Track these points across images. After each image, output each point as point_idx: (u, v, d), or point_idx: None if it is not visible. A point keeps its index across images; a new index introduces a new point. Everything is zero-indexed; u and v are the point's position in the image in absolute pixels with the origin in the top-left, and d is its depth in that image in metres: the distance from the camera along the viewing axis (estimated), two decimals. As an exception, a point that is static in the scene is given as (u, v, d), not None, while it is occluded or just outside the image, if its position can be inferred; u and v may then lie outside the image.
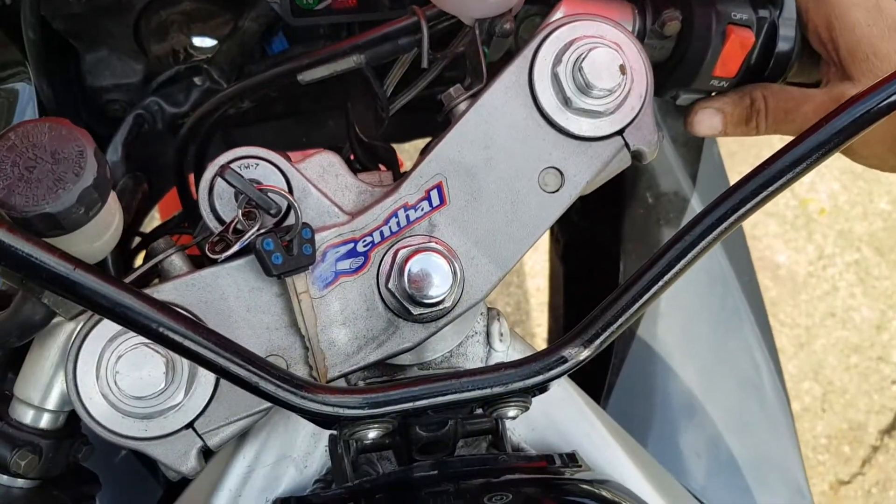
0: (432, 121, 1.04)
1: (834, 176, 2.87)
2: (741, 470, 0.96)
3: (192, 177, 0.94)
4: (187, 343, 0.47)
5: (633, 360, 0.94)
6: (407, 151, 2.05)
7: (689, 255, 0.53)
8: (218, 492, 0.63)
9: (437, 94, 1.00)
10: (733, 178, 1.08)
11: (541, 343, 2.51)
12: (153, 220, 1.37)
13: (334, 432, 0.65)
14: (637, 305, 0.54)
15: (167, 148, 1.00)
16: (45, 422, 0.57)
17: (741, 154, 2.75)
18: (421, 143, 1.19)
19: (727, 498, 0.95)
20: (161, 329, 0.46)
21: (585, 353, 0.54)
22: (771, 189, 0.52)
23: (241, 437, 0.65)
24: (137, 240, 1.00)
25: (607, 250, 1.04)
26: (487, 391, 0.54)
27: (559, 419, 0.70)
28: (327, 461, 0.65)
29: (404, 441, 0.62)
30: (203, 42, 0.90)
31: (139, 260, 1.12)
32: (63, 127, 0.47)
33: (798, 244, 2.84)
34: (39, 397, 0.57)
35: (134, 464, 0.83)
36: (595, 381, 0.94)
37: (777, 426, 0.98)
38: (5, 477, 0.56)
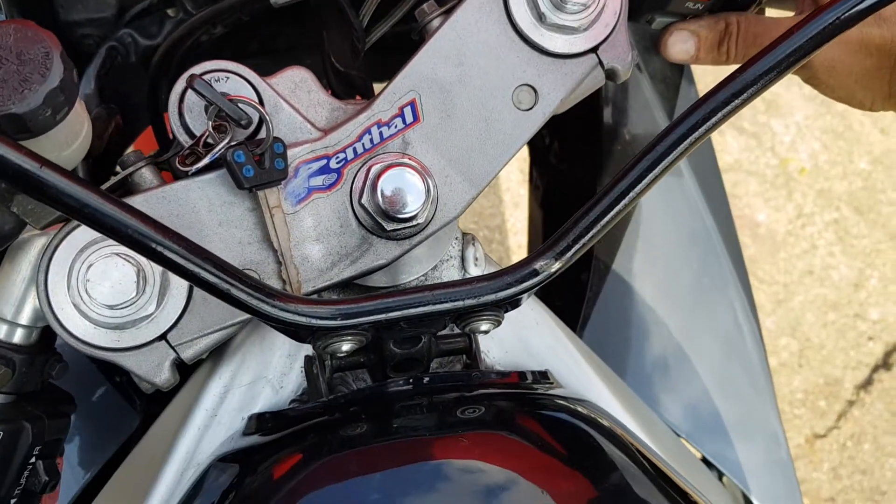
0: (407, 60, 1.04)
1: (815, 136, 2.88)
2: (717, 412, 0.97)
3: (167, 115, 0.93)
4: (158, 248, 0.46)
5: (608, 294, 0.94)
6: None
7: (661, 165, 0.54)
8: (194, 412, 0.63)
9: (412, 32, 0.99)
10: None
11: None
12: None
13: (309, 353, 0.65)
14: (608, 217, 0.54)
15: (141, 86, 0.99)
16: (18, 337, 0.57)
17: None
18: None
19: (703, 439, 0.97)
20: (130, 231, 0.46)
21: (556, 266, 0.55)
22: (745, 96, 0.52)
23: (217, 358, 0.65)
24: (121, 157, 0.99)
25: (586, 190, 1.04)
26: (459, 303, 0.54)
27: (533, 343, 0.70)
28: (303, 382, 0.65)
29: (378, 358, 0.62)
30: (176, -27, 0.89)
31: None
32: (28, 29, 0.47)
33: (778, 203, 2.86)
34: (12, 312, 0.56)
35: (112, 396, 0.83)
36: (570, 315, 0.95)
37: (756, 379, 0.99)
38: (-22, 391, 0.56)
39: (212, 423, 0.63)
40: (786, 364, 2.64)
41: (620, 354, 0.94)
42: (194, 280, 0.48)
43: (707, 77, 2.66)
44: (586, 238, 0.54)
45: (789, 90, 2.73)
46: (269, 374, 0.65)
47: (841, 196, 2.87)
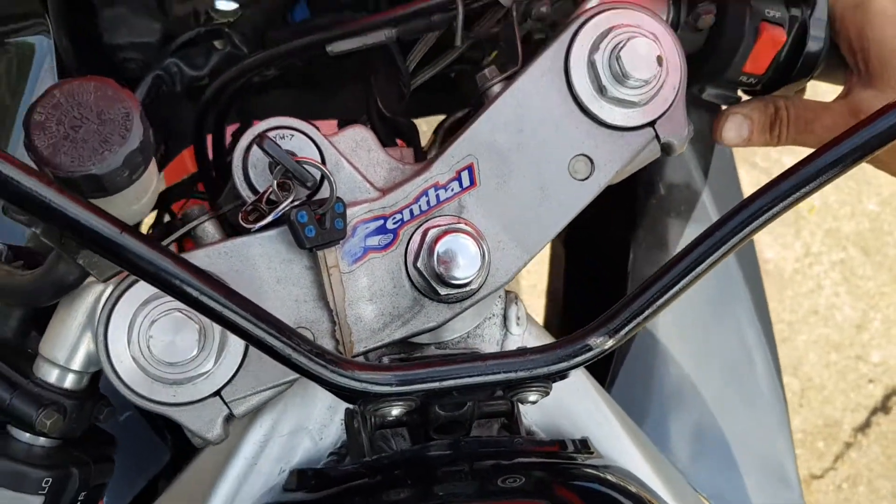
0: (447, 98, 1.04)
1: (825, 174, 2.88)
2: (728, 454, 0.97)
3: (209, 137, 0.93)
4: (226, 312, 0.47)
5: (637, 352, 0.95)
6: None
7: (720, 251, 0.54)
8: (234, 459, 0.63)
9: (452, 72, 1.00)
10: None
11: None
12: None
13: (351, 406, 0.65)
14: (664, 298, 0.55)
15: (181, 111, 0.99)
16: (69, 382, 0.57)
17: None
18: (432, 119, 1.18)
19: (713, 482, 0.97)
20: (202, 297, 0.46)
21: (610, 343, 0.55)
22: (808, 188, 0.53)
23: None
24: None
25: (615, 238, 1.05)
26: (512, 375, 0.54)
27: (571, 406, 0.70)
28: (342, 434, 0.65)
29: (422, 419, 0.62)
30: (226, 5, 0.90)
31: (151, 216, 1.11)
32: (109, 87, 0.47)
33: (786, 241, 2.87)
34: (65, 357, 0.57)
35: (140, 424, 0.83)
36: (599, 372, 0.95)
37: (767, 411, 0.99)
38: (27, 435, 0.56)
39: (251, 472, 0.63)
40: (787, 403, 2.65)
41: (642, 404, 0.94)
42: (258, 345, 0.48)
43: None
44: (641, 317, 0.55)
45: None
46: (309, 425, 0.65)
47: (848, 236, 2.88)
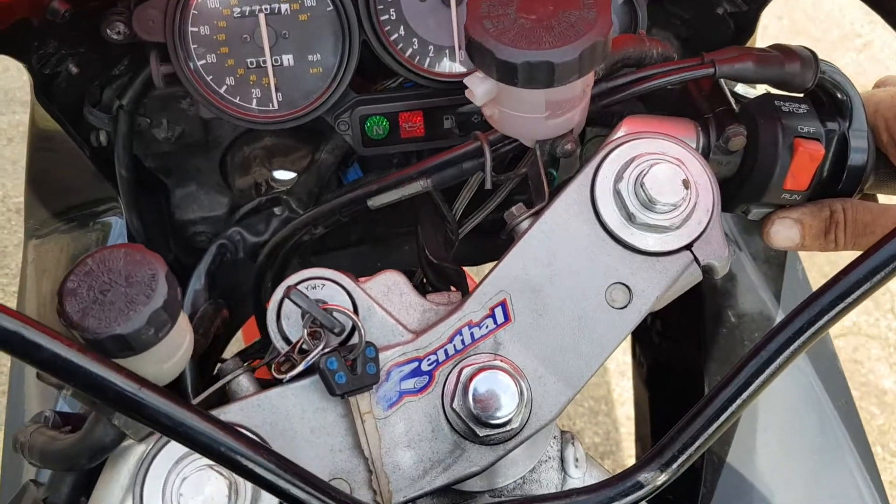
0: (504, 244, 1.05)
1: (939, 295, 2.72)
2: None
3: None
4: (250, 465, 0.47)
5: (724, 491, 0.88)
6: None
7: (767, 372, 0.51)
8: None
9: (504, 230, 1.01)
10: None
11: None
12: (237, 345, 1.40)
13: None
14: (715, 426, 0.52)
15: (248, 277, 1.03)
16: (111, 545, 0.57)
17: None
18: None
19: None
20: (223, 450, 0.46)
21: (662, 479, 0.52)
22: (850, 300, 0.50)
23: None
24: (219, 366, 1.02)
25: (691, 372, 1.00)
26: None
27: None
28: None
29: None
30: (283, 175, 0.95)
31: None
32: (138, 252, 0.50)
33: (903, 367, 2.67)
34: (108, 520, 0.57)
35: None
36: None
37: None
38: None
39: None
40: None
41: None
42: (289, 500, 0.47)
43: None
44: (693, 448, 0.52)
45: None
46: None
47: (972, 358, 2.66)
